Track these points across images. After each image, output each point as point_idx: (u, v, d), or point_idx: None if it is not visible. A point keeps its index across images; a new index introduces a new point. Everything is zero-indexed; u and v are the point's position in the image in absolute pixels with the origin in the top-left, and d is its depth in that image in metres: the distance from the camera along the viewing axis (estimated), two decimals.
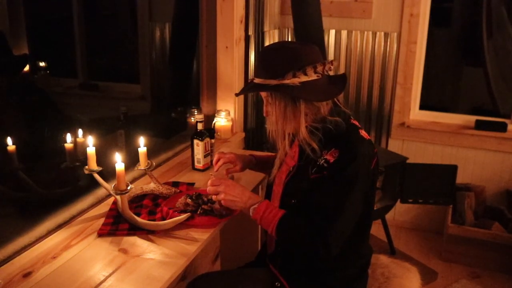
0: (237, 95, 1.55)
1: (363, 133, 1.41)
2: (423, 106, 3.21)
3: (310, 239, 1.34)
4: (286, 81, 1.34)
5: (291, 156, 1.51)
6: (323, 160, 1.37)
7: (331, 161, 1.35)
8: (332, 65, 1.42)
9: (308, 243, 1.35)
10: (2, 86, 1.69)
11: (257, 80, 1.41)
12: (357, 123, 1.45)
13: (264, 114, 1.47)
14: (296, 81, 1.34)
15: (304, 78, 1.35)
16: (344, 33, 3.12)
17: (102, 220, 1.59)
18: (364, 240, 1.53)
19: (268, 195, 1.62)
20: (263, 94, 1.46)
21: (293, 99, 1.37)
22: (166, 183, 1.87)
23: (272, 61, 1.39)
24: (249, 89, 1.54)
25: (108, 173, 1.63)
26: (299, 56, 1.36)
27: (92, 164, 1.53)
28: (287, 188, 1.47)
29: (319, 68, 1.37)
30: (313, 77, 1.36)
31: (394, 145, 3.18)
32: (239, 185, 1.48)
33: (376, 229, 3.13)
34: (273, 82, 1.36)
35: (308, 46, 1.41)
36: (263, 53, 1.46)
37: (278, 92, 1.37)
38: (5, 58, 1.71)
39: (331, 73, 1.44)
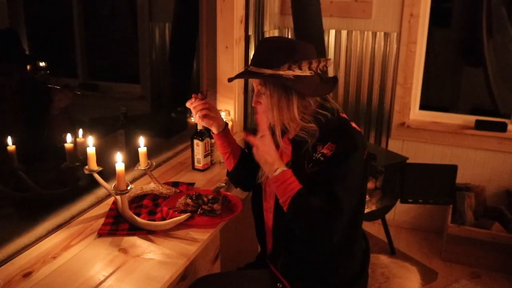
0: (230, 80, 1.56)
1: (354, 125, 1.44)
2: (423, 106, 3.21)
3: (320, 224, 1.31)
4: (281, 72, 1.37)
5: (284, 153, 1.51)
6: (319, 154, 1.38)
7: (329, 154, 1.36)
8: (326, 63, 1.45)
9: (316, 227, 1.32)
10: (2, 86, 1.69)
11: (252, 68, 1.43)
12: (346, 117, 1.47)
13: (253, 104, 1.48)
14: (290, 73, 1.37)
15: (298, 72, 1.38)
16: (344, 33, 3.12)
17: (102, 220, 1.59)
18: (358, 232, 1.54)
19: (257, 194, 1.61)
20: (255, 83, 1.46)
21: (286, 90, 1.39)
22: (166, 183, 1.87)
23: (269, 52, 1.41)
24: (243, 74, 1.52)
25: (108, 173, 1.63)
26: (296, 50, 1.40)
27: (92, 164, 1.53)
28: None
29: (314, 65, 1.40)
30: (307, 73, 1.39)
31: (394, 145, 3.18)
32: (273, 145, 1.41)
33: (376, 229, 3.13)
34: (268, 71, 1.38)
35: (304, 43, 1.45)
36: (261, 44, 1.51)
37: (272, 82, 1.39)
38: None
39: (330, 73, 1.45)
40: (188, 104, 1.62)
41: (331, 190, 1.32)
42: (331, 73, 3.10)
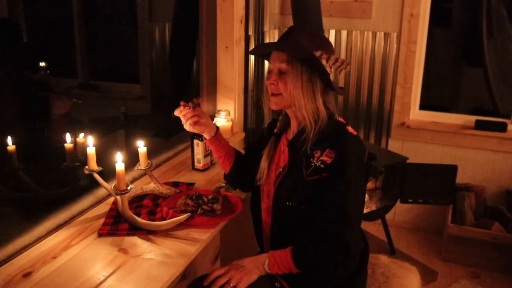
0: (251, 52, 1.49)
1: (350, 129, 1.42)
2: (423, 106, 3.21)
3: (331, 253, 1.34)
4: (317, 55, 1.36)
5: (281, 152, 1.51)
6: (319, 162, 1.37)
7: (328, 162, 1.35)
8: (345, 68, 1.43)
9: (331, 258, 1.34)
10: (3, 84, 1.69)
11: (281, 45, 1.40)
12: (343, 120, 1.46)
13: (270, 83, 1.41)
14: (323, 61, 1.37)
15: (325, 64, 1.37)
16: (344, 33, 3.12)
17: (102, 220, 1.59)
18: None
19: (256, 194, 1.62)
20: (278, 60, 1.40)
21: (311, 75, 1.36)
22: (166, 183, 1.87)
23: (302, 36, 1.39)
24: (286, 47, 1.40)
25: (108, 173, 1.63)
26: (328, 44, 1.40)
27: (92, 164, 1.53)
28: (280, 190, 1.47)
29: (337, 64, 1.40)
30: (328, 68, 1.38)
31: (394, 145, 3.18)
32: (239, 261, 1.42)
33: (376, 229, 3.13)
34: (306, 51, 1.35)
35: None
36: (292, 29, 1.44)
37: (312, 62, 1.35)
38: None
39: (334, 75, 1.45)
40: (177, 113, 1.56)
41: (340, 204, 1.33)
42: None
